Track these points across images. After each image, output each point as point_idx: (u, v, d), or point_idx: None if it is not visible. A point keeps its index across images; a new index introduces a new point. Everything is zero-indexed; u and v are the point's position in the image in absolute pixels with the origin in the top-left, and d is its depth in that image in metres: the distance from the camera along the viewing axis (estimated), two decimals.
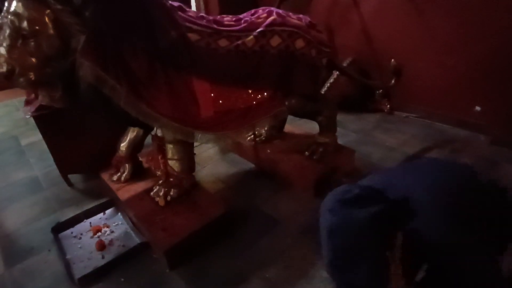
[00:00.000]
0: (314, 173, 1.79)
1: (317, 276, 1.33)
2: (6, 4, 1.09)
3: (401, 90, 2.57)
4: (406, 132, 2.48)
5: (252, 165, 2.13)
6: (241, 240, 1.53)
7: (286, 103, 1.66)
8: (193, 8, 3.57)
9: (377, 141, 2.39)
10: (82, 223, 1.66)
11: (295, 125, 2.32)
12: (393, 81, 2.12)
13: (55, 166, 1.95)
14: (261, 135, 2.14)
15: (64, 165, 1.94)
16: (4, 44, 1.07)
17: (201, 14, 1.46)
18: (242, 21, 1.51)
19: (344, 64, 2.76)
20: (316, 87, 1.76)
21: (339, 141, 2.05)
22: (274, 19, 1.49)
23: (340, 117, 2.68)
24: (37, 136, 1.97)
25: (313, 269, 1.36)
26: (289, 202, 1.77)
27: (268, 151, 2.03)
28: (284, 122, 2.19)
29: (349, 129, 2.57)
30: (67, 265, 1.41)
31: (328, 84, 2.74)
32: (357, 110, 2.85)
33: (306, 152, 1.91)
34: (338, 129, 1.96)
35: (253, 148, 2.06)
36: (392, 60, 2.08)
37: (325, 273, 1.33)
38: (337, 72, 2.69)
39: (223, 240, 1.52)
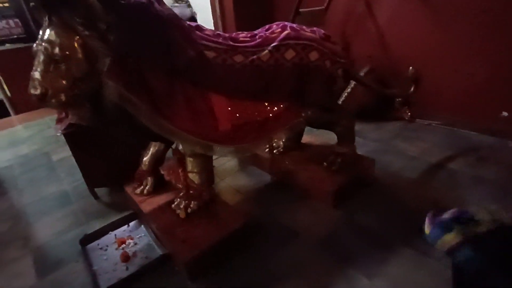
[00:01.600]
0: (333, 184, 1.77)
1: None
2: (40, 32, 1.19)
3: (422, 97, 2.52)
4: (428, 140, 2.41)
5: (270, 177, 2.14)
6: (260, 252, 1.53)
7: (303, 114, 1.67)
8: (212, 25, 3.70)
9: (398, 150, 2.33)
10: (107, 235, 1.73)
11: (313, 136, 2.31)
12: (412, 89, 2.09)
13: (83, 180, 2.05)
14: (279, 146, 2.16)
15: (91, 179, 2.04)
16: (38, 69, 1.16)
17: (218, 32, 1.52)
18: (257, 36, 1.55)
19: (361, 74, 2.75)
20: (332, 98, 1.76)
21: (359, 151, 2.02)
22: (288, 33, 1.53)
23: (359, 126, 2.66)
24: (67, 152, 2.10)
25: (332, 282, 1.33)
26: (307, 213, 1.76)
27: (286, 162, 2.04)
28: (301, 133, 2.19)
29: (369, 139, 2.54)
30: (94, 276, 1.46)
31: (346, 94, 2.73)
32: (376, 119, 2.81)
33: (325, 163, 1.90)
34: (357, 138, 1.94)
35: (271, 160, 2.07)
36: (410, 67, 2.06)
37: (345, 286, 1.30)
38: (354, 82, 2.68)
39: (242, 252, 1.52)
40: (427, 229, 1.06)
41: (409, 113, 2.77)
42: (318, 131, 2.24)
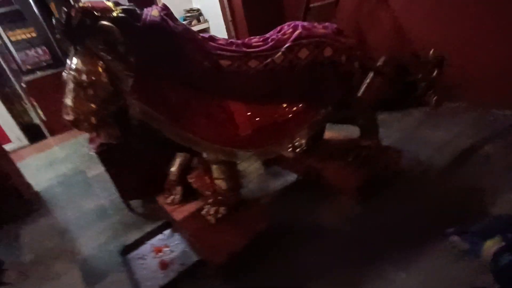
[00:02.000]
0: (359, 179, 1.75)
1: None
2: (68, 61, 1.28)
3: (448, 80, 2.41)
4: (458, 124, 2.30)
5: (295, 176, 2.14)
6: (291, 251, 1.54)
7: (322, 111, 1.66)
8: (224, 31, 3.75)
9: (425, 138, 2.25)
10: (145, 244, 1.82)
11: (335, 131, 2.29)
12: (435, 72, 2.01)
13: (118, 194, 2.17)
14: (301, 145, 2.15)
15: (125, 193, 2.16)
16: (69, 96, 1.25)
17: (231, 40, 1.55)
18: (269, 39, 1.56)
19: (379, 62, 2.67)
20: (351, 91, 1.74)
21: (384, 142, 1.98)
22: (300, 33, 1.52)
23: (382, 117, 2.58)
24: (101, 169, 2.22)
25: (366, 280, 1.32)
26: (335, 211, 1.75)
27: (310, 160, 2.03)
28: (323, 130, 2.18)
29: (394, 128, 2.46)
30: (136, 285, 1.55)
31: (365, 86, 2.67)
32: (400, 108, 2.72)
33: (349, 158, 1.87)
34: (381, 129, 1.90)
35: (294, 159, 2.08)
36: (431, 50, 1.98)
37: (380, 282, 1.28)
38: (373, 73, 2.61)
39: (273, 252, 1.55)
40: (463, 247, 1.05)
41: (435, 98, 2.65)
42: (340, 126, 2.22)
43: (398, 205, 1.67)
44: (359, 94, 2.64)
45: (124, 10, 1.22)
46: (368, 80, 2.68)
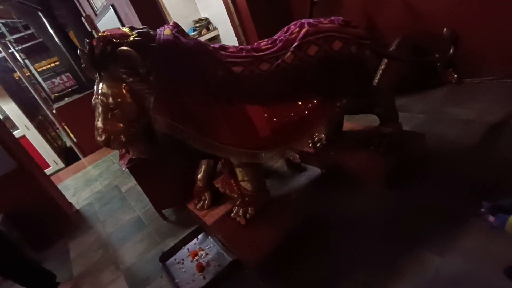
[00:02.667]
0: (384, 167, 1.74)
1: (410, 273, 1.28)
2: (95, 87, 1.39)
3: (467, 55, 2.33)
4: (483, 99, 2.21)
5: (320, 170, 2.15)
6: (324, 245, 1.56)
7: (338, 104, 1.68)
8: (234, 36, 3.82)
9: (450, 116, 2.18)
10: (181, 250, 1.91)
11: (354, 122, 2.27)
12: (451, 50, 1.96)
13: (151, 205, 2.29)
14: (321, 139, 2.16)
15: (157, 203, 2.27)
16: (99, 119, 1.36)
17: (241, 46, 1.60)
18: (278, 41, 1.60)
19: (393, 46, 2.63)
20: (365, 81, 1.74)
21: (406, 127, 1.95)
22: (306, 30, 1.55)
23: (402, 100, 2.54)
24: (133, 182, 2.36)
25: (403, 266, 1.32)
26: (364, 200, 1.74)
27: (332, 153, 2.04)
28: (341, 122, 2.18)
29: (416, 111, 2.41)
30: None
31: (381, 71, 2.63)
32: (420, 90, 2.65)
33: (371, 147, 1.87)
34: (402, 113, 1.88)
35: (316, 154, 2.09)
36: (445, 29, 1.93)
37: (417, 267, 1.28)
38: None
39: (307, 247, 1.57)
40: (490, 219, 1.05)
41: (455, 75, 2.57)
42: (359, 116, 2.20)
43: (429, 188, 1.64)
44: (375, 81, 2.63)
45: (139, 34, 1.31)
46: (383, 66, 2.66)
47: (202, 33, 4.38)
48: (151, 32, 1.37)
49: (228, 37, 4.04)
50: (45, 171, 3.71)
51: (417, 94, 2.62)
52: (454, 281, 1.19)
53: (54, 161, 5.31)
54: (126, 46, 1.25)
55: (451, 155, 1.82)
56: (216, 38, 4.47)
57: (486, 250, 1.24)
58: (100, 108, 1.35)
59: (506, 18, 2.16)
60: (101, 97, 1.33)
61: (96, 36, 1.28)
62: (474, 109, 2.15)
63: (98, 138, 1.39)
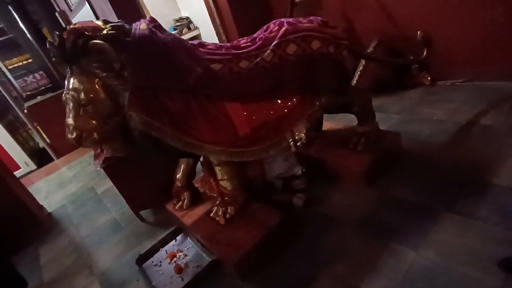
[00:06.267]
0: (361, 164, 1.77)
1: (385, 267, 1.31)
2: (66, 82, 1.33)
3: (440, 58, 2.42)
4: (455, 100, 2.31)
5: (300, 169, 2.16)
6: (303, 242, 1.57)
7: (317, 103, 1.70)
8: (215, 35, 3.80)
9: (424, 117, 2.26)
10: (159, 252, 1.86)
11: (333, 122, 2.31)
12: (425, 53, 2.03)
13: (128, 207, 2.22)
14: (301, 138, 2.17)
15: (135, 204, 2.20)
16: (70, 115, 1.30)
17: (220, 44, 1.59)
18: (257, 39, 1.60)
19: (370, 48, 2.70)
20: (343, 80, 1.76)
21: (383, 126, 2.00)
22: (286, 29, 1.56)
23: (379, 101, 2.61)
24: (109, 184, 2.28)
25: (379, 261, 1.34)
26: (342, 197, 1.77)
27: (312, 152, 2.06)
28: (321, 121, 2.19)
29: (391, 112, 2.48)
30: None
31: (359, 73, 2.69)
32: (396, 91, 2.74)
33: (350, 145, 1.90)
34: (379, 113, 1.92)
35: (297, 152, 2.10)
36: (419, 32, 2.00)
37: (392, 262, 1.31)
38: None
39: (286, 245, 1.58)
40: None
41: (428, 77, 2.67)
42: (338, 116, 2.24)
43: (404, 184, 1.69)
44: (354, 81, 2.68)
45: (113, 27, 1.27)
46: (361, 68, 2.72)
47: (183, 32, 4.33)
48: (127, 26, 1.33)
49: (209, 36, 4.01)
50: (14, 173, 3.52)
51: (393, 95, 2.70)
52: (427, 273, 1.22)
53: (25, 162, 5.07)
54: (99, 40, 1.21)
55: (424, 153, 1.88)
56: (197, 38, 4.43)
57: (457, 243, 1.29)
58: (71, 104, 1.29)
59: (476, 23, 2.27)
60: (72, 93, 1.27)
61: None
62: (446, 109, 2.24)
63: (69, 136, 1.32)
